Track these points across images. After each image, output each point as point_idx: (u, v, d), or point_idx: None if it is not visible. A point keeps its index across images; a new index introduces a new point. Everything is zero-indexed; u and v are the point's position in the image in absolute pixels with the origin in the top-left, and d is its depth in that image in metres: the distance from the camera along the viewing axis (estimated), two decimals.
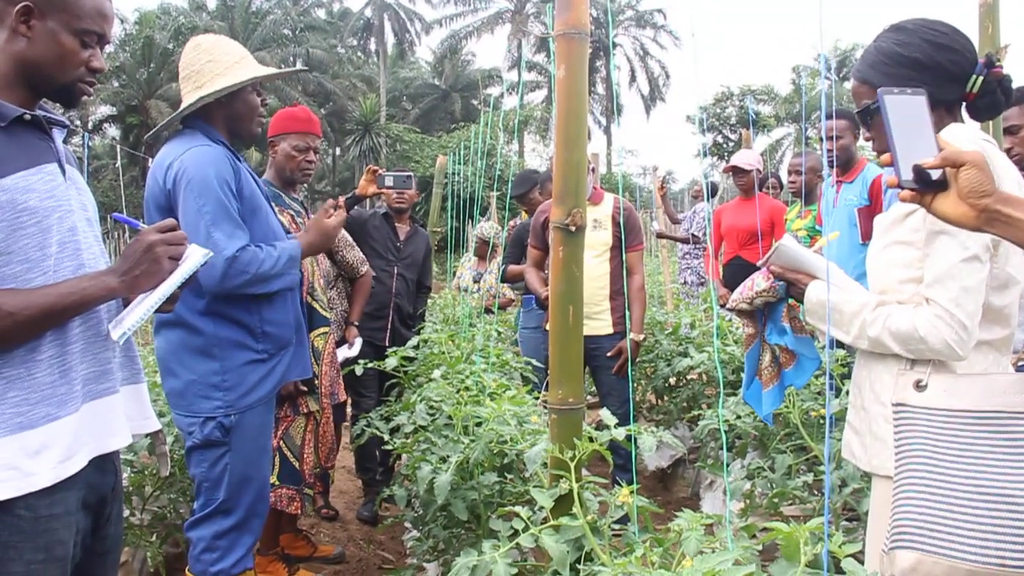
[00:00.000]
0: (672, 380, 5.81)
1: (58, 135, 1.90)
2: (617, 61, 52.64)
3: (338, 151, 43.96)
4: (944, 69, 1.97)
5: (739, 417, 3.73)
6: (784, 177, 7.37)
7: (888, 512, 1.84)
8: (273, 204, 3.10)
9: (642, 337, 4.64)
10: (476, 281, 8.00)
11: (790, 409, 3.64)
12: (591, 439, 2.22)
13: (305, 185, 4.57)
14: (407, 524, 3.84)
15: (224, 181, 2.67)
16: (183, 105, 2.79)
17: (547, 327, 4.67)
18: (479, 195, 8.23)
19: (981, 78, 1.97)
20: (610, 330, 4.55)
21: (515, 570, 1.90)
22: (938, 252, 1.85)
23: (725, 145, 44.41)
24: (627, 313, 4.32)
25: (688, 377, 5.88)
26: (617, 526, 2.33)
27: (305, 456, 3.77)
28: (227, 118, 2.85)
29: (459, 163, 10.63)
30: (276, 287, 2.79)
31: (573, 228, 2.16)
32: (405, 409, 3.54)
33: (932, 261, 1.86)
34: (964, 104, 2.04)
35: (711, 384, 5.38)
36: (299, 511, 3.76)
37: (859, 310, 1.95)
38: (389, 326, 5.08)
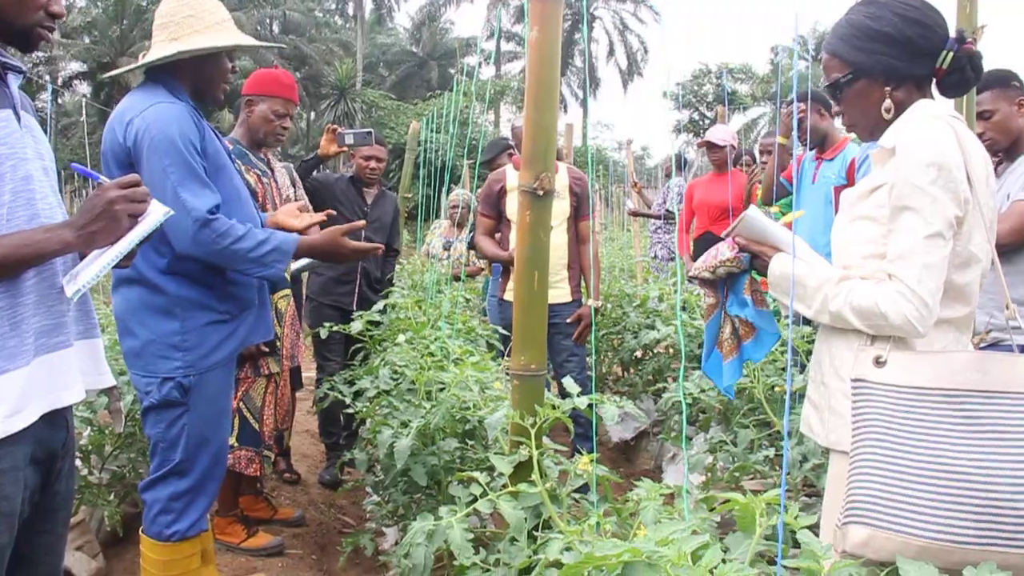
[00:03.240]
0: (638, 353, 5.83)
1: (13, 81, 1.84)
2: (596, 35, 52.47)
3: (312, 116, 43.58)
4: (915, 44, 1.96)
5: (703, 390, 3.73)
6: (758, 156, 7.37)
7: (844, 487, 1.84)
8: (239, 163, 3.05)
9: (600, 303, 4.65)
10: (446, 248, 7.94)
11: (754, 384, 3.65)
12: (553, 406, 2.21)
13: (278, 149, 4.50)
14: (368, 489, 3.82)
15: (188, 139, 2.60)
16: (153, 54, 2.69)
17: (503, 296, 4.73)
18: (451, 164, 8.18)
19: (951, 53, 1.96)
20: (568, 298, 4.56)
21: (471, 535, 1.89)
22: (902, 228, 1.85)
23: (701, 122, 44.44)
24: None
25: (655, 350, 5.90)
26: (577, 495, 2.32)
27: (265, 418, 3.74)
28: (196, 79, 2.77)
29: (434, 131, 10.55)
30: (255, 273, 2.71)
31: (541, 192, 2.13)
32: (368, 373, 3.51)
33: (895, 237, 1.86)
34: (934, 81, 2.03)
35: (677, 357, 5.39)
36: (258, 473, 3.73)
37: (821, 284, 1.95)
38: (357, 290, 5.03)
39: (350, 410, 3.41)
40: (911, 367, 1.79)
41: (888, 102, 1.99)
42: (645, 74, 54.83)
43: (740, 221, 2.11)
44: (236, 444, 3.65)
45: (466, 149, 7.27)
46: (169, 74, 2.72)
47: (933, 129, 1.87)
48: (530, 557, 2.00)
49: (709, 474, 3.73)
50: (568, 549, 1.52)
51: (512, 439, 2.18)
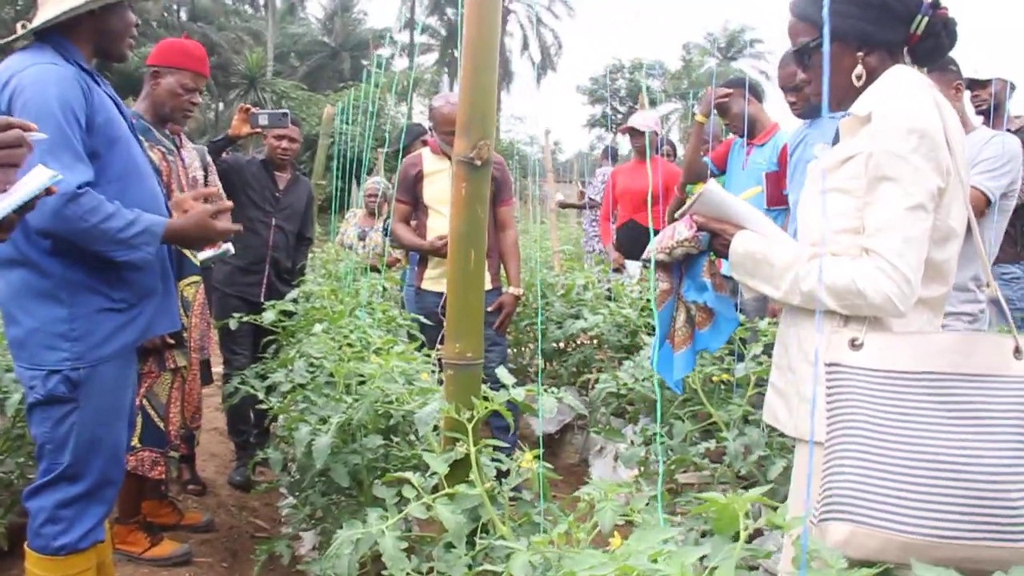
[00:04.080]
0: (561, 344, 5.68)
1: None
2: (510, 28, 52.35)
3: (221, 106, 42.45)
4: (888, 7, 1.82)
5: (637, 380, 3.57)
6: (679, 145, 7.31)
7: (816, 480, 1.69)
8: (142, 138, 2.77)
9: (520, 292, 4.48)
10: (361, 238, 7.68)
11: (689, 374, 3.50)
12: (485, 399, 2.00)
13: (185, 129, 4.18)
14: (282, 490, 3.56)
15: (68, 106, 2.31)
16: (42, 14, 2.41)
17: (420, 285, 4.51)
18: (367, 156, 7.92)
19: (926, 18, 1.82)
20: (489, 286, 4.35)
21: (404, 544, 1.68)
22: (880, 200, 1.69)
23: (613, 117, 44.74)
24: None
25: (578, 341, 5.75)
26: (513, 495, 2.13)
27: (171, 416, 3.45)
28: (97, 33, 2.48)
29: (347, 122, 10.26)
30: (121, 257, 2.39)
31: (479, 162, 1.92)
32: (282, 366, 3.26)
33: (873, 209, 1.70)
34: (907, 48, 1.89)
35: (602, 348, 5.25)
36: (163, 476, 3.44)
37: (791, 263, 1.79)
38: (265, 281, 4.74)
39: (262, 406, 3.15)
40: (889, 349, 1.63)
41: (860, 68, 1.84)
42: (559, 68, 55.00)
43: (698, 197, 1.93)
44: (139, 445, 3.35)
45: (381, 139, 7.01)
46: (61, 35, 2.43)
47: (912, 95, 1.72)
48: (470, 567, 1.80)
49: (642, 468, 3.58)
50: (531, 563, 1.32)
51: (446, 435, 1.97)
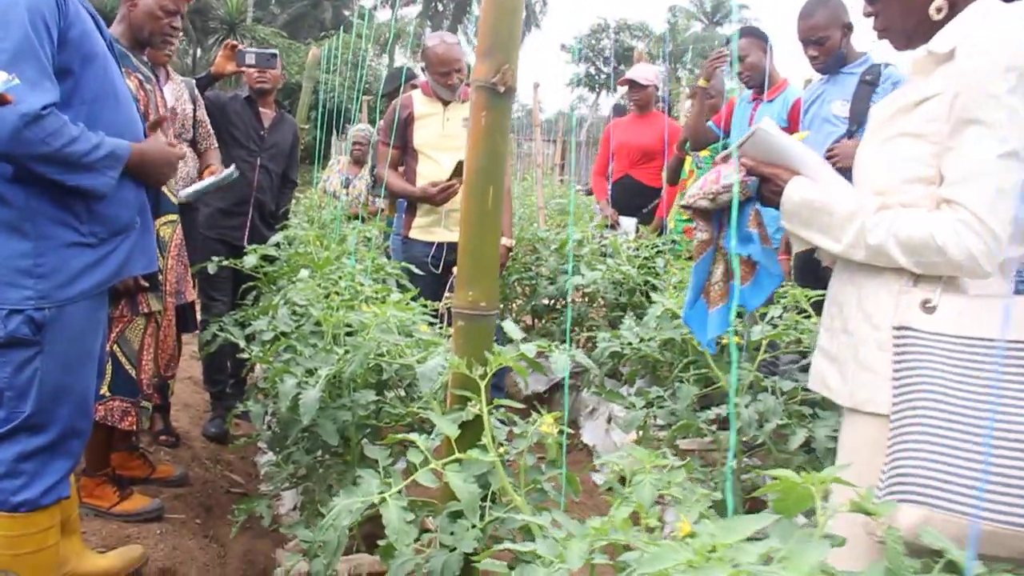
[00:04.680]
0: (551, 301, 5.49)
1: None
2: None
3: (199, 52, 41.58)
4: None
5: (643, 340, 3.37)
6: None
7: (874, 457, 1.50)
8: (120, 64, 2.52)
9: (511, 243, 4.28)
10: (345, 187, 7.43)
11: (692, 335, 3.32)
12: (501, 354, 1.80)
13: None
14: (261, 445, 3.36)
15: (40, 14, 2.06)
16: None
17: (408, 234, 4.29)
18: (354, 104, 7.64)
19: None
20: None
21: (411, 516, 1.48)
22: (967, 145, 1.49)
23: (597, 77, 44.32)
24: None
25: (570, 299, 5.56)
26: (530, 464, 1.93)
27: (143, 364, 3.22)
28: None
29: (329, 71, 9.96)
30: (84, 183, 2.17)
31: (502, 88, 1.70)
32: (263, 313, 3.04)
33: (958, 156, 1.50)
34: None
35: (595, 306, 5.05)
36: (134, 426, 3.22)
37: (855, 212, 1.58)
38: (248, 224, 4.51)
39: (242, 355, 2.93)
40: (967, 313, 1.45)
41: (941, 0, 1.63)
42: (543, 26, 54.29)
43: (749, 137, 1.72)
44: (108, 393, 3.13)
45: (364, 90, 6.74)
46: None
47: (1009, 28, 1.51)
48: (478, 540, 1.61)
49: (641, 432, 3.40)
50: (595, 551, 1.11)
51: (454, 392, 1.77)
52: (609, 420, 4.44)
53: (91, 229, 2.24)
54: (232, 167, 3.80)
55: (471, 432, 1.72)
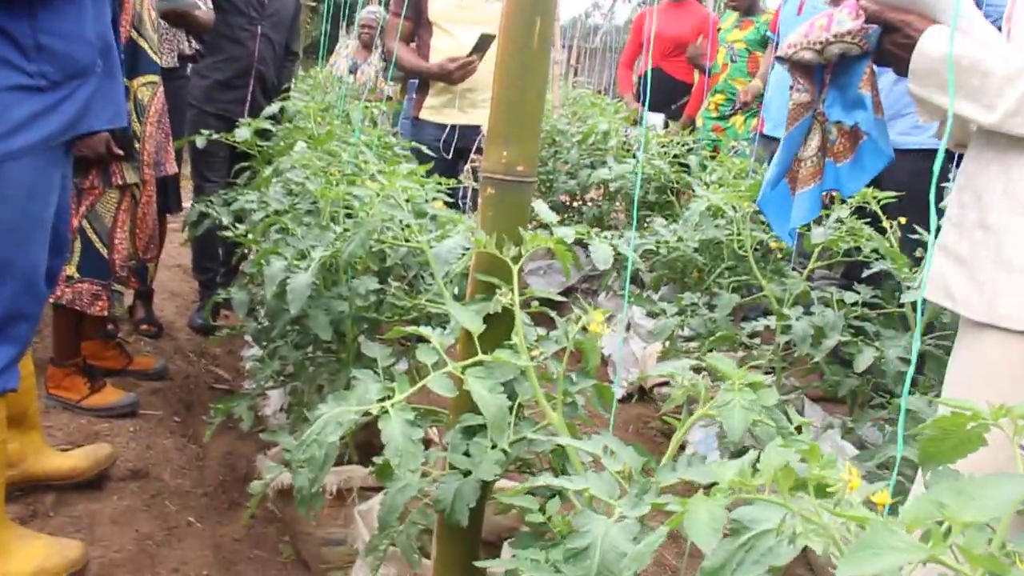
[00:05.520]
0: (570, 199, 5.12)
1: None
2: None
3: None
4: None
5: (681, 240, 3.00)
6: None
7: (1017, 385, 1.15)
8: None
9: None
10: (352, 72, 6.98)
11: (732, 237, 2.95)
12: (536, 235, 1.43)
13: None
14: (247, 338, 3.01)
15: None
16: None
17: (419, 115, 3.91)
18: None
19: None
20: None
21: (420, 432, 1.12)
22: None
23: None
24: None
25: (587, 196, 5.19)
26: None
27: (117, 243, 2.86)
28: None
29: None
30: None
31: None
32: (255, 189, 2.66)
33: None
34: None
35: (614, 202, 4.68)
36: (105, 312, 2.87)
37: (1016, 74, 1.19)
38: (249, 97, 4.11)
39: (226, 233, 2.55)
40: None
41: None
42: None
43: None
44: (76, 275, 2.78)
45: None
46: None
47: None
48: (500, 464, 1.26)
49: (668, 343, 3.05)
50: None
51: (477, 277, 1.40)
52: (628, 328, 4.10)
53: (40, 69, 1.83)
54: None
55: (496, 329, 1.36)
